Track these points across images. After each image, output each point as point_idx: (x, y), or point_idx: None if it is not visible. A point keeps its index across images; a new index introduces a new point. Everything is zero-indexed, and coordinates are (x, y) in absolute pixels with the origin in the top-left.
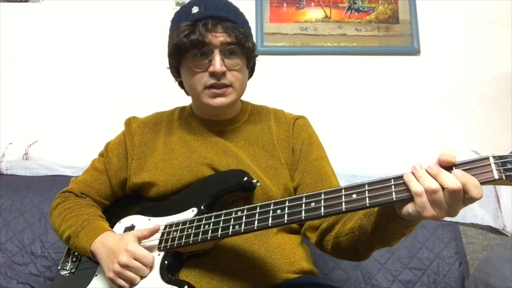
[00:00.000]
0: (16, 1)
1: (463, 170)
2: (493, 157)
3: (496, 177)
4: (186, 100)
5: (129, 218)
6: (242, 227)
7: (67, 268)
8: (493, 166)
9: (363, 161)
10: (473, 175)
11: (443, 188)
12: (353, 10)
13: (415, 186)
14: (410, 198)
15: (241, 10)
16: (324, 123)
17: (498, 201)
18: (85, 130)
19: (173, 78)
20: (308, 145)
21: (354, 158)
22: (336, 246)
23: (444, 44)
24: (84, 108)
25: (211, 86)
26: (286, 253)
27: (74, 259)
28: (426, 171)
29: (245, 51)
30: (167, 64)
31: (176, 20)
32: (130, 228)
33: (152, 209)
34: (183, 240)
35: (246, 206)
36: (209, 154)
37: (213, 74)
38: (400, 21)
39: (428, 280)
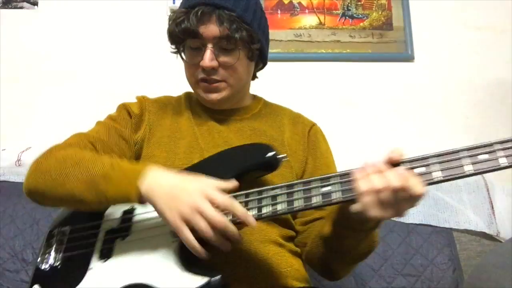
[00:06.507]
0: (11, 8)
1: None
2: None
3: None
4: None
5: None
6: (303, 203)
7: (49, 261)
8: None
9: (355, 167)
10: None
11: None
12: (347, 17)
13: (360, 186)
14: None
15: None
16: None
17: (492, 207)
18: None
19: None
20: (322, 157)
21: (347, 163)
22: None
23: (438, 50)
24: (77, 114)
25: (203, 80)
26: (283, 261)
27: (58, 249)
28: (374, 168)
29: (240, 42)
30: (164, 72)
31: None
32: (131, 211)
33: None
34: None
35: (286, 183)
36: (211, 144)
37: (204, 69)
38: (394, 27)
39: (422, 286)
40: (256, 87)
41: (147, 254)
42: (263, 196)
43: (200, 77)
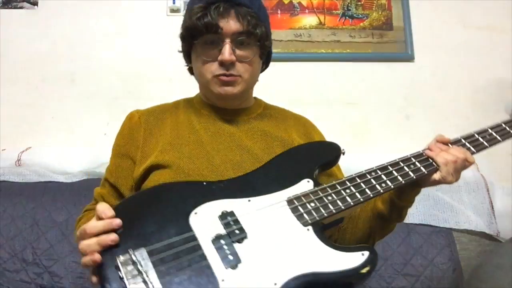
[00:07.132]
0: (11, 8)
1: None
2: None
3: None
4: None
5: (213, 205)
6: (391, 183)
7: (143, 278)
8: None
9: (355, 168)
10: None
11: None
12: (347, 17)
13: (439, 160)
14: (437, 169)
15: None
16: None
17: (492, 207)
18: (78, 137)
19: (185, 65)
20: None
21: (346, 163)
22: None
23: (437, 50)
24: (77, 114)
25: (220, 75)
26: None
27: (149, 275)
28: (439, 147)
29: (257, 38)
30: (163, 72)
31: (190, 2)
32: (230, 214)
33: (236, 190)
34: (334, 207)
35: (375, 167)
36: (221, 146)
37: (222, 63)
38: (394, 27)
39: (422, 286)
40: (256, 87)
41: (286, 247)
42: (367, 178)
43: (217, 73)
